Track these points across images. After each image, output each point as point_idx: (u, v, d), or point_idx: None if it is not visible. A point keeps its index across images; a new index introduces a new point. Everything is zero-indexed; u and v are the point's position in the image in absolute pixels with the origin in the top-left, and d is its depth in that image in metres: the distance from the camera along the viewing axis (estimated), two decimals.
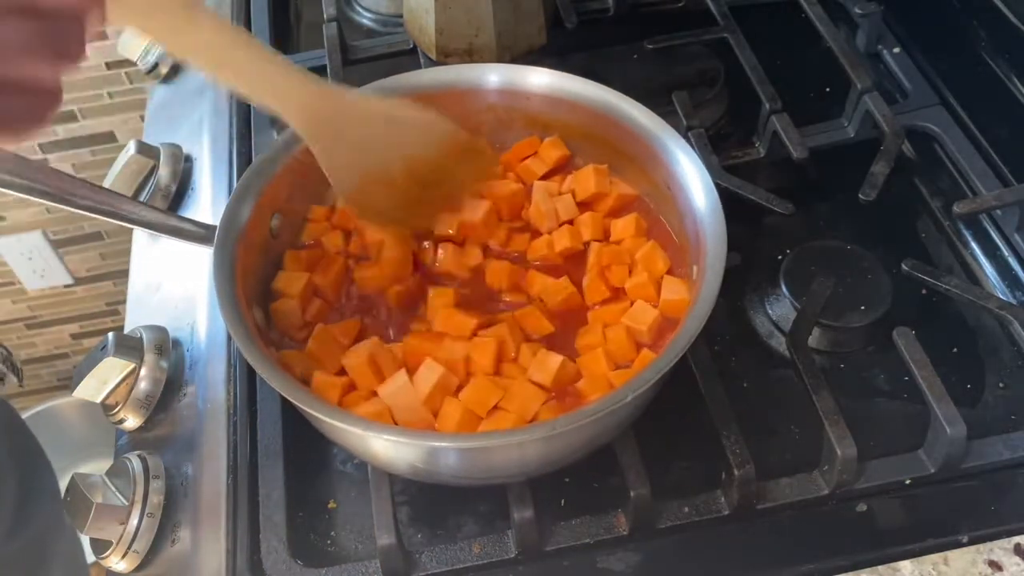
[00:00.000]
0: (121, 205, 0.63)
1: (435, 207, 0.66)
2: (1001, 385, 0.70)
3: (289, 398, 0.56)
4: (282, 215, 0.69)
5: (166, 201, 0.86)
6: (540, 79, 0.72)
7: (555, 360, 0.61)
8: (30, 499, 0.89)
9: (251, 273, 0.65)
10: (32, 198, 0.55)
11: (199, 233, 0.64)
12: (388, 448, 0.58)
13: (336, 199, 0.70)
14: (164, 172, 0.87)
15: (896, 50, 0.92)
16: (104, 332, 0.93)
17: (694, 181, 0.65)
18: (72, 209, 0.60)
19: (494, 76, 0.73)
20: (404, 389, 0.60)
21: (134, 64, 1.00)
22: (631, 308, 0.64)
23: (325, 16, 0.94)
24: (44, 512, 0.90)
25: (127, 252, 0.88)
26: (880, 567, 0.60)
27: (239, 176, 0.85)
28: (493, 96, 0.73)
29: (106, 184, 0.85)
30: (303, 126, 0.56)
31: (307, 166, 0.67)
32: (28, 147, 1.58)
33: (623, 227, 0.69)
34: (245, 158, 0.88)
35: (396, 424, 0.60)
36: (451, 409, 0.60)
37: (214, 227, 0.64)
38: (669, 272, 0.67)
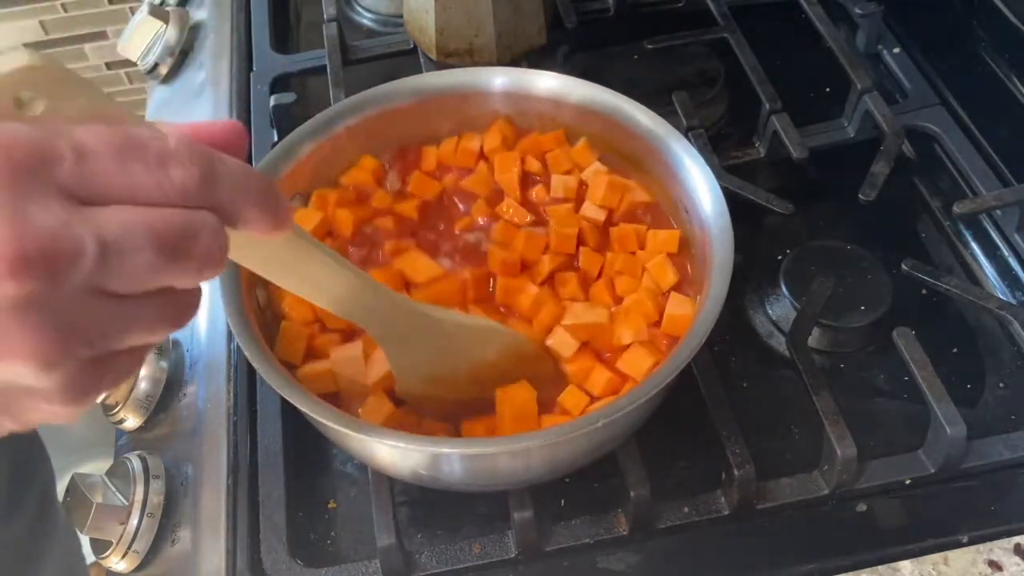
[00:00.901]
0: None
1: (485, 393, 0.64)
2: (1001, 385, 0.70)
3: (302, 407, 0.56)
4: (302, 198, 0.70)
5: None
6: (545, 82, 0.72)
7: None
8: (21, 483, 0.89)
9: None
10: None
11: None
12: (391, 454, 0.58)
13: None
14: None
15: (896, 50, 0.92)
16: None
17: (702, 189, 0.64)
18: None
19: (499, 79, 0.73)
20: (354, 361, 0.61)
21: (134, 64, 1.00)
22: (626, 354, 0.62)
23: (325, 16, 0.94)
24: (35, 499, 0.90)
25: None
26: (880, 567, 0.60)
27: None
28: (497, 99, 0.73)
29: None
30: (379, 333, 0.57)
31: (330, 152, 0.69)
32: None
33: (661, 241, 0.67)
34: (245, 158, 0.88)
35: (338, 390, 0.61)
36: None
37: None
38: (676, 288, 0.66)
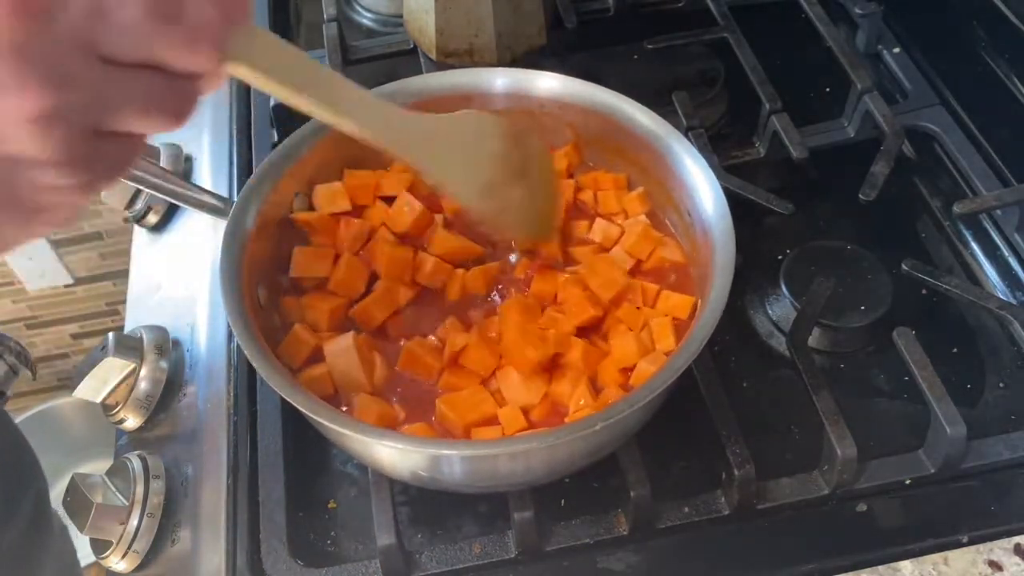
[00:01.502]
0: (143, 167, 0.63)
1: (543, 205, 0.68)
2: (1001, 385, 0.70)
3: (302, 408, 0.56)
4: (305, 196, 0.70)
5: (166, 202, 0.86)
6: (545, 83, 0.72)
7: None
8: (13, 497, 0.89)
9: (263, 252, 0.65)
10: None
11: (216, 205, 0.65)
12: (391, 455, 0.58)
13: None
14: None
15: (896, 50, 0.92)
16: (104, 332, 0.93)
17: (703, 190, 0.64)
18: None
19: (499, 80, 0.73)
20: (347, 352, 0.61)
21: None
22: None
23: (325, 16, 0.94)
24: (28, 509, 0.90)
25: (127, 252, 0.88)
26: (880, 567, 0.60)
27: (239, 176, 0.86)
28: (499, 100, 0.73)
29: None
30: (423, 156, 0.59)
31: (331, 153, 0.69)
32: None
33: (673, 305, 0.65)
34: (245, 158, 0.88)
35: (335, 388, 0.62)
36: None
37: (231, 201, 0.64)
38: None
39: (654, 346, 0.63)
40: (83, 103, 0.37)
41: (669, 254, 0.69)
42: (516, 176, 0.64)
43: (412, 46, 0.93)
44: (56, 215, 0.41)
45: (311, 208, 0.70)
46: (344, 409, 0.61)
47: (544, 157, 0.68)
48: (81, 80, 0.37)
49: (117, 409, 0.71)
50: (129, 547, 0.64)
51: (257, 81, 0.46)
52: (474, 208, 0.62)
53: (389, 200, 0.71)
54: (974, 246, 0.79)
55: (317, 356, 0.63)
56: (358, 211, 0.71)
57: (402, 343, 0.64)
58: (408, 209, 0.69)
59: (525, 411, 0.61)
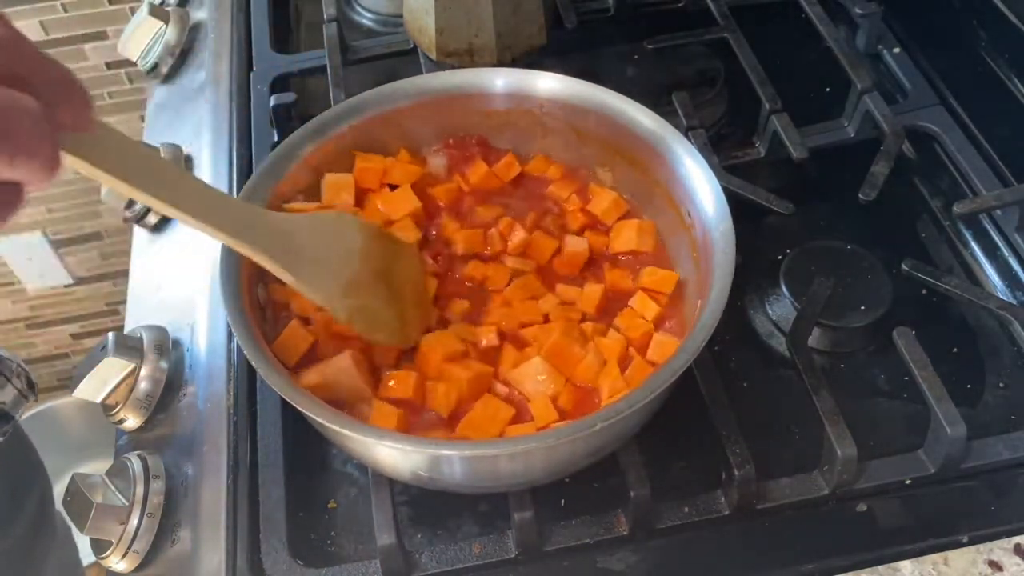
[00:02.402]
0: None
1: (408, 308, 0.66)
2: (1001, 385, 0.70)
3: (302, 408, 0.56)
4: (304, 197, 0.70)
5: None
6: (545, 83, 0.72)
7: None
8: (17, 497, 0.89)
9: None
10: None
11: None
12: (391, 455, 0.58)
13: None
14: None
15: (896, 50, 0.92)
16: (104, 332, 0.93)
17: (703, 190, 0.64)
18: None
19: (500, 80, 0.73)
20: (347, 371, 0.61)
21: (134, 64, 1.00)
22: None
23: (325, 16, 0.94)
24: (32, 511, 0.90)
25: (127, 252, 0.88)
26: (880, 567, 0.60)
27: (239, 176, 0.86)
28: (499, 100, 0.73)
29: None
30: (275, 258, 0.58)
31: (332, 153, 0.70)
32: None
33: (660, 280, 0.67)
34: (245, 158, 0.88)
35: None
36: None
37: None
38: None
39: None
40: None
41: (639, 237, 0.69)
42: (378, 277, 0.63)
43: (412, 46, 0.93)
44: None
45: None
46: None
47: (411, 258, 0.67)
48: None
49: (117, 409, 0.71)
50: (129, 547, 0.64)
51: (93, 175, 0.47)
52: (333, 309, 0.61)
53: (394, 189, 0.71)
54: (974, 246, 0.79)
55: (313, 353, 0.63)
56: (360, 202, 0.71)
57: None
58: (407, 204, 0.70)
59: (553, 399, 0.61)
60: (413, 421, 0.61)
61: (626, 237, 0.70)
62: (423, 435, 0.60)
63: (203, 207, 0.53)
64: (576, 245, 0.70)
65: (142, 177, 0.50)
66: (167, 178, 0.52)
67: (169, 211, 0.52)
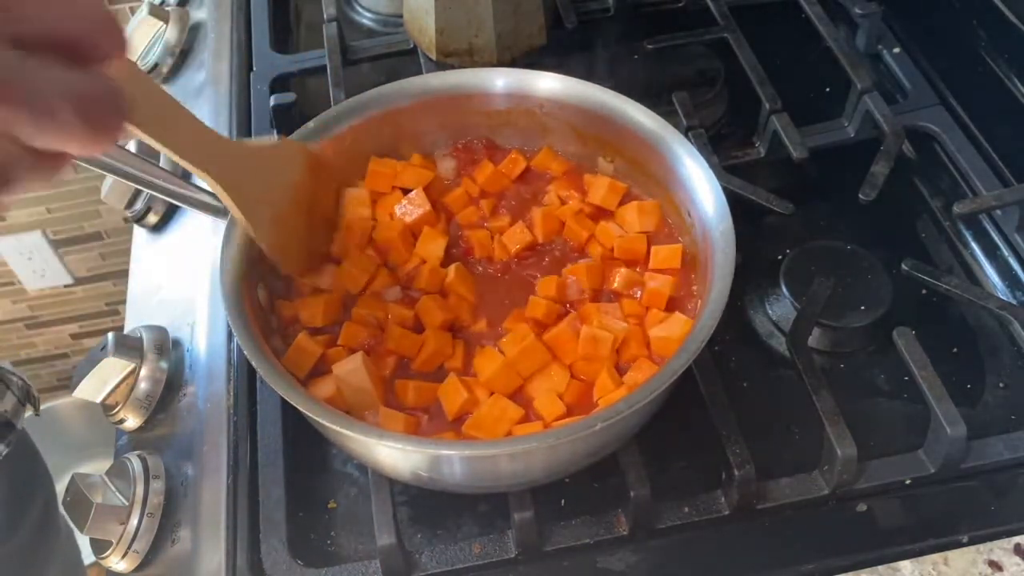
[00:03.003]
0: (143, 167, 0.64)
1: (319, 234, 0.69)
2: (1001, 385, 0.70)
3: (302, 408, 0.56)
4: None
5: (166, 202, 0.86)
6: (545, 83, 0.72)
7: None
8: (21, 501, 0.90)
9: (263, 252, 0.64)
10: None
11: (216, 206, 0.65)
12: (391, 455, 0.58)
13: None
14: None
15: (896, 50, 0.92)
16: (104, 332, 0.93)
17: (703, 191, 0.64)
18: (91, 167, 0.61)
19: (500, 80, 0.73)
20: (357, 372, 0.61)
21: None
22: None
23: (325, 16, 0.94)
24: (36, 515, 0.91)
25: (127, 252, 0.88)
26: (880, 567, 0.60)
27: None
28: (499, 100, 0.73)
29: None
30: (220, 178, 0.59)
31: (332, 153, 0.70)
32: None
33: (665, 257, 0.68)
34: None
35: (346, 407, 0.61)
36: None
37: None
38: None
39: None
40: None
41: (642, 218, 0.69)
42: (302, 208, 0.66)
43: (412, 46, 0.93)
44: None
45: None
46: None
47: (330, 182, 0.70)
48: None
49: (117, 409, 0.71)
50: (129, 547, 0.64)
51: None
52: (257, 234, 0.62)
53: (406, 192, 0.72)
54: (974, 246, 0.79)
55: (323, 365, 0.63)
56: (372, 204, 0.71)
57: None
58: (418, 206, 0.70)
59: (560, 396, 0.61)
60: (420, 425, 0.61)
61: (630, 220, 0.69)
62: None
63: (159, 122, 0.54)
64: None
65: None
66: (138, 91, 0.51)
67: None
